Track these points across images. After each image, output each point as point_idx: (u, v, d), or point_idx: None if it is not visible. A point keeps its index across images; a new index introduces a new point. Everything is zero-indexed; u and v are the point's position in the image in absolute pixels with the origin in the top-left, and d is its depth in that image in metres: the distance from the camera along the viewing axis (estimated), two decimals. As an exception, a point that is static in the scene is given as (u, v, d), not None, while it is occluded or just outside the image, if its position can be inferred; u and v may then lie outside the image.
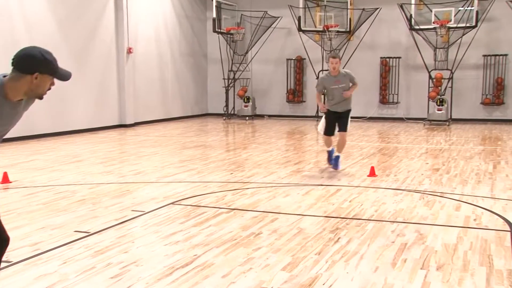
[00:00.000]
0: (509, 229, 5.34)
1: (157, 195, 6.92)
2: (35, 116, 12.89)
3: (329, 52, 18.11)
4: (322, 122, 8.96)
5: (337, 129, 8.78)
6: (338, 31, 18.06)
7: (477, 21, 16.33)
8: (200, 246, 4.83)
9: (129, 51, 16.29)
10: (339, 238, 5.06)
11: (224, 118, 19.47)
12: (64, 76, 3.00)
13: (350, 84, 8.60)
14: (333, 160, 8.70)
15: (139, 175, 8.41)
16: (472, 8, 16.35)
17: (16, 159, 9.93)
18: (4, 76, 2.93)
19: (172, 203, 6.51)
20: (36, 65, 2.89)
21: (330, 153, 8.87)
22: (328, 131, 8.77)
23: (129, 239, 5.08)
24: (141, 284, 3.97)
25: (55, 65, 2.96)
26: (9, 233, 5.37)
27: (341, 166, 8.71)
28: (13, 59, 2.92)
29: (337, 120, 8.68)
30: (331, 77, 8.51)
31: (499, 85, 17.57)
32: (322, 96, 9.26)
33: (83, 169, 8.95)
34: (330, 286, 3.93)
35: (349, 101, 8.71)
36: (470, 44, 16.70)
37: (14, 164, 9.39)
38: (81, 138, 13.43)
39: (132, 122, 16.55)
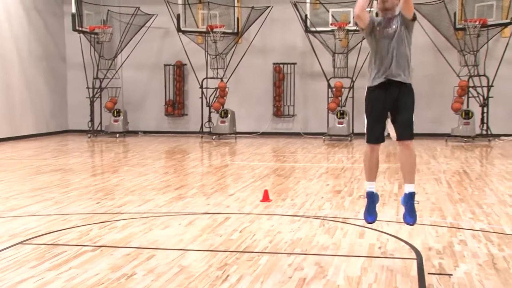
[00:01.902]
0: (415, 257, 5.66)
1: (0, 234, 6.57)
2: None
3: (214, 56, 18.38)
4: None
5: (392, 133, 5.85)
6: (224, 33, 18.36)
7: (378, 24, 17.31)
8: (58, 294, 4.65)
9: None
10: (228, 276, 5.08)
11: (89, 135, 19.00)
12: None
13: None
14: (404, 202, 5.79)
15: (-20, 208, 7.96)
16: (372, 9, 17.30)
17: None
18: None
19: (21, 242, 6.21)
20: None
21: (369, 196, 5.98)
22: (373, 132, 5.75)
23: (-34, 290, 4.77)
24: None
25: None
26: None
27: (374, 214, 6.06)
28: None
29: (390, 108, 5.67)
30: (380, 18, 5.76)
31: (404, 96, 18.69)
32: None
33: None
34: (218, 333, 3.94)
35: (407, 64, 5.61)
36: (371, 49, 17.63)
37: None
38: None
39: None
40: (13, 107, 17.90)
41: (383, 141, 5.75)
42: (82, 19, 18.64)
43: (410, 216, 5.65)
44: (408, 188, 5.67)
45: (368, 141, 5.78)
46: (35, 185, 9.86)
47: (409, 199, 5.67)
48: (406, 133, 5.62)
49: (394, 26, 5.57)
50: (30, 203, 8.35)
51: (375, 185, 5.95)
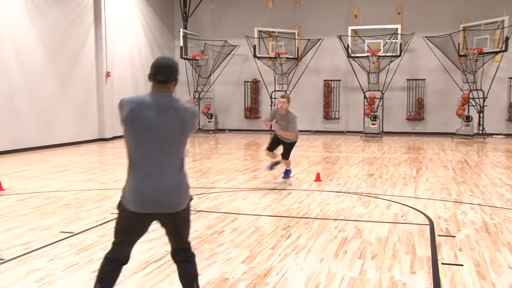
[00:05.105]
0: (428, 223, 5.52)
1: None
2: (26, 131, 12.62)
3: (280, 75, 18.38)
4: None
5: (280, 151, 8.12)
6: (287, 58, 18.28)
7: (400, 51, 16.90)
8: (172, 243, 4.79)
9: (108, 74, 16.05)
10: (290, 234, 5.11)
11: (191, 132, 19.32)
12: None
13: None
14: (285, 174, 8.42)
15: (117, 182, 8.25)
16: (397, 41, 16.91)
17: (9, 169, 9.61)
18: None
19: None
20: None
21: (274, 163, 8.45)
22: (268, 146, 8.27)
23: (109, 238, 4.97)
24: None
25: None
26: (3, 235, 5.21)
27: (290, 175, 8.41)
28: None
29: (280, 143, 8.09)
30: (278, 113, 7.88)
31: (420, 104, 18.18)
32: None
33: (68, 177, 8.74)
34: (283, 275, 3.97)
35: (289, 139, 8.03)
36: (396, 70, 17.24)
37: (7, 173, 9.08)
38: (66, 150, 13.11)
39: (111, 136, 16.26)
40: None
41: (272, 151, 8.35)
42: (187, 50, 18.97)
43: (286, 175, 8.38)
44: (286, 168, 8.36)
45: (266, 149, 8.46)
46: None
47: (287, 172, 8.38)
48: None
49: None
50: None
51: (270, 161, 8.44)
